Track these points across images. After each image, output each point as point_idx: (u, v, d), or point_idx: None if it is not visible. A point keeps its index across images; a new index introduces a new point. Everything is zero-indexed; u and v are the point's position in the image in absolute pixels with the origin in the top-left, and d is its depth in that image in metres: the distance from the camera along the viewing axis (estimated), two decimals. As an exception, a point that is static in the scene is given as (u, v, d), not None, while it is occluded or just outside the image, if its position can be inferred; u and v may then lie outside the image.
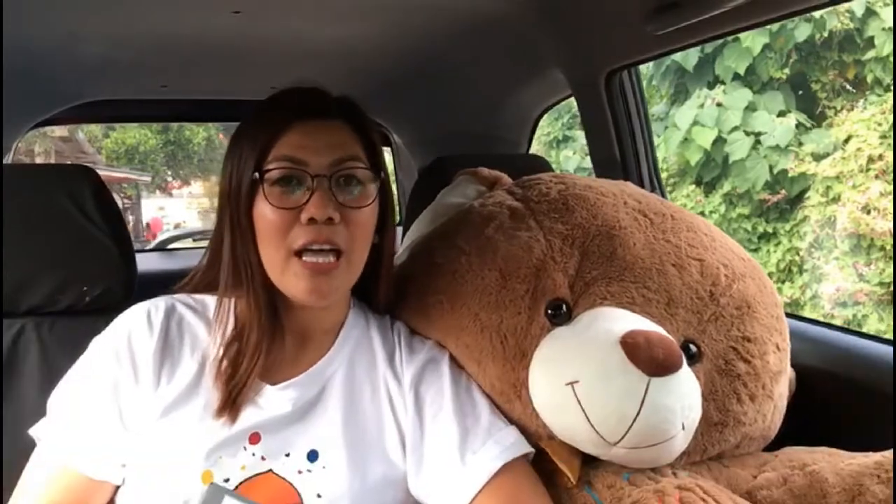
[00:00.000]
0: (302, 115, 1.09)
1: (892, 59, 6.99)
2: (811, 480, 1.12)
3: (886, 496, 1.07)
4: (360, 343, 1.19)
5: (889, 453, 1.13)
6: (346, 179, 1.08)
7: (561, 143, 9.55)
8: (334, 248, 1.05)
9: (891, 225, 6.56)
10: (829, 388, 1.41)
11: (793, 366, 1.33)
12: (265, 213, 1.06)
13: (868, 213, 6.71)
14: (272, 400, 1.09)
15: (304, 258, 1.05)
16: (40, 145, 12.64)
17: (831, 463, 1.14)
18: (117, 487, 1.09)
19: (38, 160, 11.91)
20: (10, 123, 2.49)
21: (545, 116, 2.83)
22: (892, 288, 6.70)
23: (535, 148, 2.94)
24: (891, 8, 6.91)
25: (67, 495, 1.06)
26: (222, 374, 1.07)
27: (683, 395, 1.09)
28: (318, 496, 1.04)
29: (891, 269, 6.70)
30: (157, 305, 1.15)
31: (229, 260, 1.10)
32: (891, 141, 6.65)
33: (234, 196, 1.09)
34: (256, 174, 1.06)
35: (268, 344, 1.09)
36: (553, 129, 9.59)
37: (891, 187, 6.64)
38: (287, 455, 1.06)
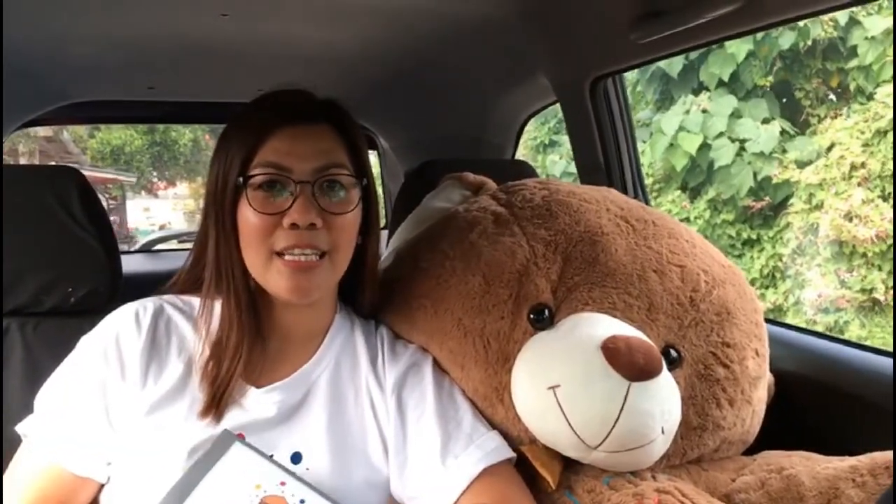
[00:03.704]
0: (287, 119, 1.09)
1: (875, 67, 7.06)
2: (788, 484, 1.14)
3: (861, 499, 1.09)
4: (345, 347, 1.20)
5: (865, 457, 1.15)
6: (330, 185, 1.08)
7: (547, 147, 9.58)
8: (316, 251, 1.06)
9: (872, 233, 6.62)
10: (806, 393, 1.43)
11: (771, 371, 1.35)
12: (248, 216, 1.07)
13: (850, 220, 6.77)
14: (257, 402, 1.10)
15: (286, 256, 1.06)
16: (25, 145, 12.53)
17: (808, 467, 1.16)
18: (102, 486, 1.09)
19: (23, 160, 11.81)
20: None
21: (532, 121, 2.85)
22: (872, 294, 6.76)
23: (522, 152, 2.95)
24: (874, 18, 6.98)
25: (52, 491, 1.06)
26: (208, 375, 1.08)
27: (663, 399, 1.11)
28: (302, 500, 1.05)
29: (872, 276, 6.76)
30: (145, 306, 1.15)
31: (213, 260, 1.12)
32: (873, 149, 6.71)
33: (218, 198, 1.09)
34: (241, 179, 1.07)
35: (249, 344, 1.10)
36: (540, 133, 9.62)
37: (872, 195, 6.70)
38: (270, 456, 1.07)
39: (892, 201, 6.63)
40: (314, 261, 1.07)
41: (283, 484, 0.99)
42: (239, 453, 1.02)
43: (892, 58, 6.86)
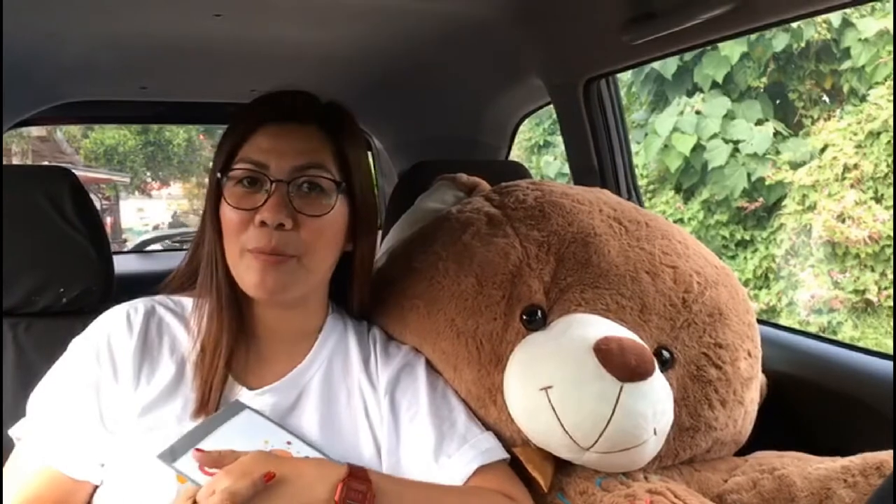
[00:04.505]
0: (275, 117, 1.10)
1: (868, 69, 7.09)
2: (780, 484, 1.14)
3: (853, 499, 1.10)
4: (337, 348, 1.20)
5: (856, 458, 1.15)
6: (309, 186, 1.08)
7: (542, 148, 9.60)
8: (282, 255, 1.06)
9: (864, 234, 6.64)
10: (798, 394, 1.44)
11: (764, 371, 1.35)
12: (225, 211, 1.08)
13: (843, 221, 6.80)
14: (249, 404, 1.09)
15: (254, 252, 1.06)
16: (17, 145, 12.49)
17: (800, 467, 1.17)
18: (96, 487, 1.09)
19: (16, 160, 11.77)
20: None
21: (526, 122, 2.85)
22: (865, 295, 6.78)
23: (517, 153, 2.96)
24: (867, 20, 7.01)
25: (47, 494, 1.05)
26: (197, 374, 1.08)
27: (655, 400, 1.11)
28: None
29: (865, 277, 6.78)
30: (136, 307, 1.15)
31: (204, 255, 1.13)
32: (866, 151, 6.74)
33: (208, 193, 1.12)
34: (219, 174, 1.08)
35: (230, 341, 1.10)
36: (534, 134, 9.65)
37: (865, 196, 6.73)
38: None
39: (884, 203, 6.66)
40: (281, 258, 1.06)
41: (289, 443, 1.04)
42: (248, 416, 1.06)
43: (885, 60, 6.88)
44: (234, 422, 1.04)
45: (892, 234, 6.57)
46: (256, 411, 1.07)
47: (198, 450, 0.97)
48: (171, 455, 0.98)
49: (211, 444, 1.00)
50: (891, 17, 6.77)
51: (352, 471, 0.97)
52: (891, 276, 6.69)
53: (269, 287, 1.07)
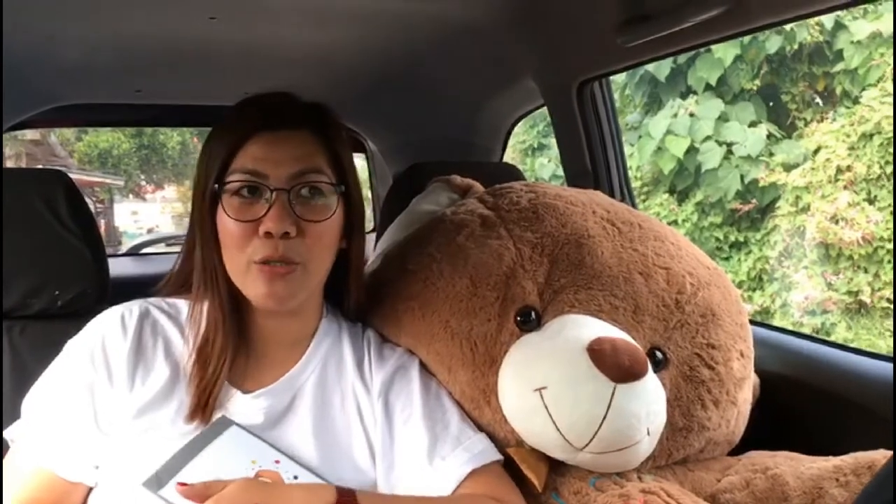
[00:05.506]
0: (266, 123, 1.08)
1: (861, 71, 7.11)
2: (773, 483, 1.15)
3: (845, 498, 1.11)
4: (331, 351, 1.20)
5: (848, 457, 1.16)
6: (308, 191, 1.08)
7: (536, 150, 9.59)
8: (290, 262, 1.06)
9: (857, 235, 6.66)
10: (791, 394, 1.44)
11: (756, 372, 1.36)
12: (225, 223, 1.07)
13: (836, 222, 6.81)
14: (244, 408, 1.10)
15: (261, 264, 1.06)
16: (11, 148, 12.44)
17: (792, 467, 1.17)
18: (91, 489, 1.09)
19: (9, 164, 11.72)
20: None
21: (521, 124, 2.85)
22: (858, 297, 6.80)
23: (511, 155, 2.97)
24: (860, 22, 7.03)
25: (42, 496, 1.06)
26: (194, 378, 1.08)
27: (649, 401, 1.12)
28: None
29: (858, 279, 6.80)
30: (130, 309, 1.15)
31: (199, 263, 1.12)
32: (859, 153, 6.76)
33: (200, 203, 1.10)
34: (216, 185, 1.07)
35: (233, 348, 1.10)
36: (529, 136, 9.63)
37: (858, 198, 6.75)
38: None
39: (877, 204, 6.68)
40: (287, 267, 1.06)
41: (277, 462, 1.03)
42: (235, 434, 1.05)
43: (877, 62, 6.91)
44: (221, 440, 1.04)
45: (884, 235, 6.59)
46: (243, 427, 1.06)
47: (181, 484, 0.96)
48: (156, 482, 0.98)
49: (197, 465, 1.00)
50: (883, 19, 6.80)
51: (340, 494, 0.97)
52: (884, 278, 6.71)
53: (278, 296, 1.07)
